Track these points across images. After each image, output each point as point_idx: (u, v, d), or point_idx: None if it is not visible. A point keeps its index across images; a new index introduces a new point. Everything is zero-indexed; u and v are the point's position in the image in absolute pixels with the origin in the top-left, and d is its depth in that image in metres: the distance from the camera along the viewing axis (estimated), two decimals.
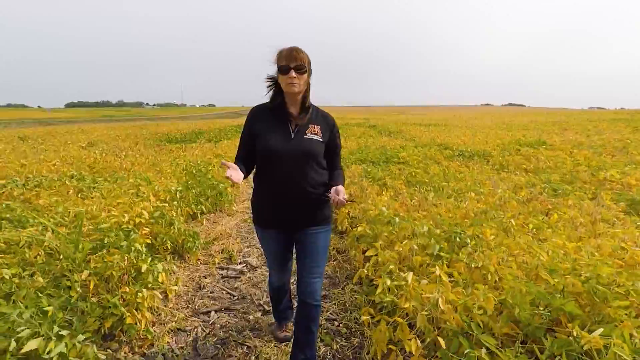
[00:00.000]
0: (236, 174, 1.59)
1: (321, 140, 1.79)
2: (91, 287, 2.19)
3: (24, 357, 1.54)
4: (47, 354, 1.54)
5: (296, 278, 1.92)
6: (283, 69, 1.68)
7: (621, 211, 3.39)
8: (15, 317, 1.71)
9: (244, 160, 1.83)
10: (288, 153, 1.71)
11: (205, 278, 3.27)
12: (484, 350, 1.54)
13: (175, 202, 4.09)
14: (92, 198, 3.91)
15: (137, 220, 3.22)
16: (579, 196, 3.85)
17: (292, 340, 2.16)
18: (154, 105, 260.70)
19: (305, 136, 1.75)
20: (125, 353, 2.23)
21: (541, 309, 1.73)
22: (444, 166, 6.16)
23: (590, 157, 6.19)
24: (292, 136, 1.74)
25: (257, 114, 1.82)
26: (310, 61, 1.74)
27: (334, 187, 1.73)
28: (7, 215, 3.13)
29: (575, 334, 1.53)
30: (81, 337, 1.77)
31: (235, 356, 2.25)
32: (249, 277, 3.30)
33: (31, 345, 1.50)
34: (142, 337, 2.35)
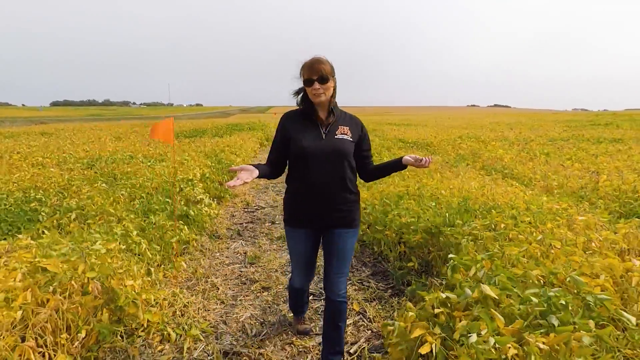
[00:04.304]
0: (246, 173, 1.65)
1: (351, 140, 1.89)
2: (183, 203, 4.43)
3: (183, 215, 3.83)
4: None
5: (322, 276, 2.08)
6: (307, 82, 1.80)
7: (483, 174, 5.78)
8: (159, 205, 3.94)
9: (275, 162, 1.94)
10: (321, 152, 1.81)
11: (235, 212, 5.51)
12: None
13: (212, 169, 6.33)
14: (157, 167, 6.09)
15: (193, 178, 5.44)
16: (463, 165, 6.25)
17: (310, 332, 2.45)
18: (141, 104, 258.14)
19: (336, 136, 1.86)
20: (200, 234, 4.44)
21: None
22: (394, 153, 8.53)
23: (497, 146, 8.65)
24: (324, 137, 1.84)
25: (289, 118, 1.94)
26: (333, 67, 1.84)
27: (405, 158, 1.87)
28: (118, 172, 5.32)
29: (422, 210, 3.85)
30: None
31: (262, 232, 4.51)
32: (261, 212, 5.55)
33: (191, 212, 3.76)
34: (210, 228, 4.59)
